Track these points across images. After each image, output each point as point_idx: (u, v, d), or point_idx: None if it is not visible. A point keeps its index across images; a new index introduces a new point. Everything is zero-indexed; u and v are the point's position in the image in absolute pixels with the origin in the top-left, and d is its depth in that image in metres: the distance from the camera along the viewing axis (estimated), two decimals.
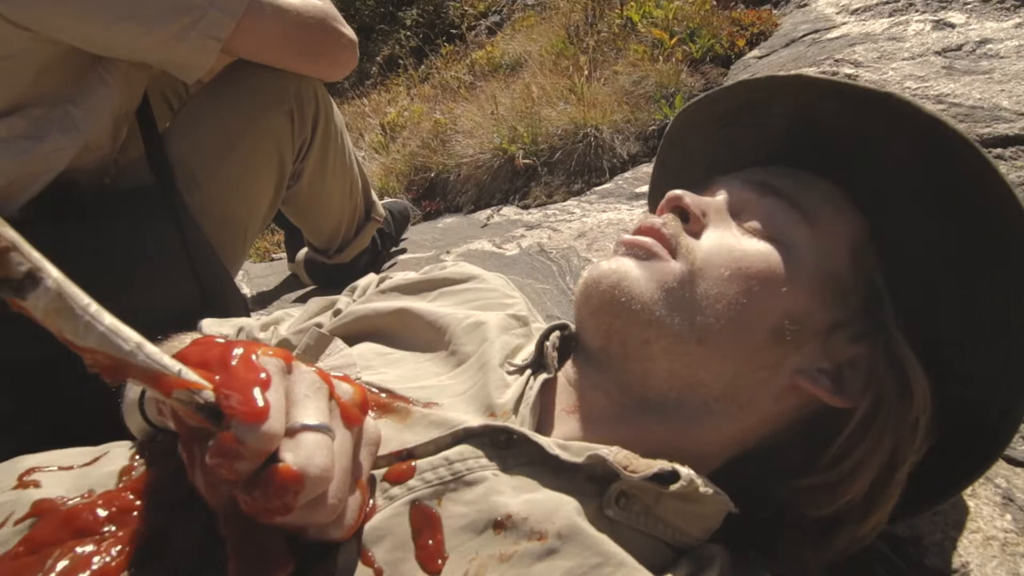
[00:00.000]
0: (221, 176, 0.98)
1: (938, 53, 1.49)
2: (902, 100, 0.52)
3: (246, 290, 1.73)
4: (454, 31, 4.08)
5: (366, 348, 0.62)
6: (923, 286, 0.53)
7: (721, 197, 0.56)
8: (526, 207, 1.89)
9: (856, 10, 1.94)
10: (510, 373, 0.52)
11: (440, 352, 0.59)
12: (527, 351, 0.55)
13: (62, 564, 0.38)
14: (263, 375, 0.35)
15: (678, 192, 0.54)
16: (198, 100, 1.01)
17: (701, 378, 0.49)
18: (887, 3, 1.87)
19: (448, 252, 1.58)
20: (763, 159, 0.62)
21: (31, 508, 0.42)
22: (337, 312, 0.70)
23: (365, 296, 0.72)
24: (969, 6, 1.68)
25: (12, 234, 0.28)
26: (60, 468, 0.49)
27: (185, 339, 0.59)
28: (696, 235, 0.53)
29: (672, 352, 0.49)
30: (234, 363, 0.35)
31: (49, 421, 0.82)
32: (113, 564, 0.38)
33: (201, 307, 0.96)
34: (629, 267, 0.51)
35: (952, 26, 1.59)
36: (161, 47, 0.85)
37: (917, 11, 1.74)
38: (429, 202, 2.25)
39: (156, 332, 0.63)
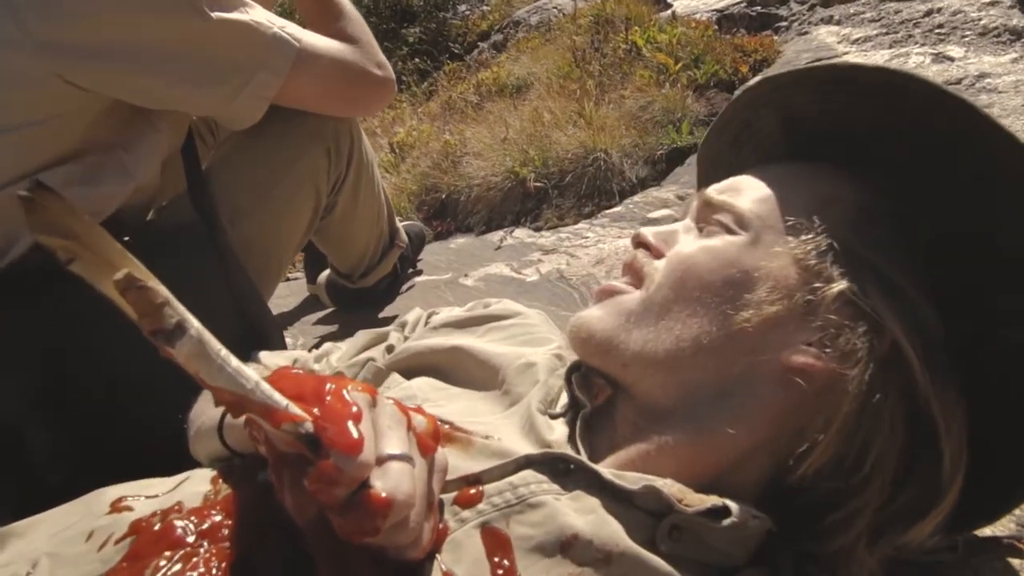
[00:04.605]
0: (263, 211, 1.02)
1: None
2: (831, 66, 0.57)
3: None
4: (456, 50, 4.15)
5: (423, 382, 0.65)
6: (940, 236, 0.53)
7: (687, 219, 0.60)
8: (538, 229, 1.94)
9: (857, 40, 2.01)
10: (553, 418, 0.56)
11: (494, 391, 0.62)
12: (565, 396, 0.59)
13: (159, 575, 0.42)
14: (355, 409, 0.38)
15: (639, 230, 0.59)
16: (241, 139, 1.05)
17: (688, 379, 0.51)
18: (887, 34, 1.94)
19: (466, 275, 1.62)
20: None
21: (128, 528, 0.47)
22: (390, 348, 0.74)
23: (416, 332, 0.76)
24: (967, 39, 1.75)
25: (165, 291, 0.33)
26: (147, 497, 0.53)
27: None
28: (660, 258, 0.57)
29: (649, 366, 0.52)
30: (329, 398, 0.39)
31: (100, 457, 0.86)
32: None
33: (241, 337, 0.99)
34: (589, 312, 0.56)
35: (951, 59, 1.66)
36: (215, 106, 0.90)
37: (917, 43, 1.81)
38: (440, 222, 2.30)
39: None
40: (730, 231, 0.54)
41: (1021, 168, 0.49)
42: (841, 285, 0.49)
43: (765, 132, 0.66)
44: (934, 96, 0.52)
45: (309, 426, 0.37)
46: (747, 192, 0.56)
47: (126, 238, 0.93)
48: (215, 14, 0.84)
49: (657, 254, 0.57)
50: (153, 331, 0.32)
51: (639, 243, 0.59)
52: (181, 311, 0.33)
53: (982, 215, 0.53)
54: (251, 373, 0.36)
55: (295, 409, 0.37)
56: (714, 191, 0.59)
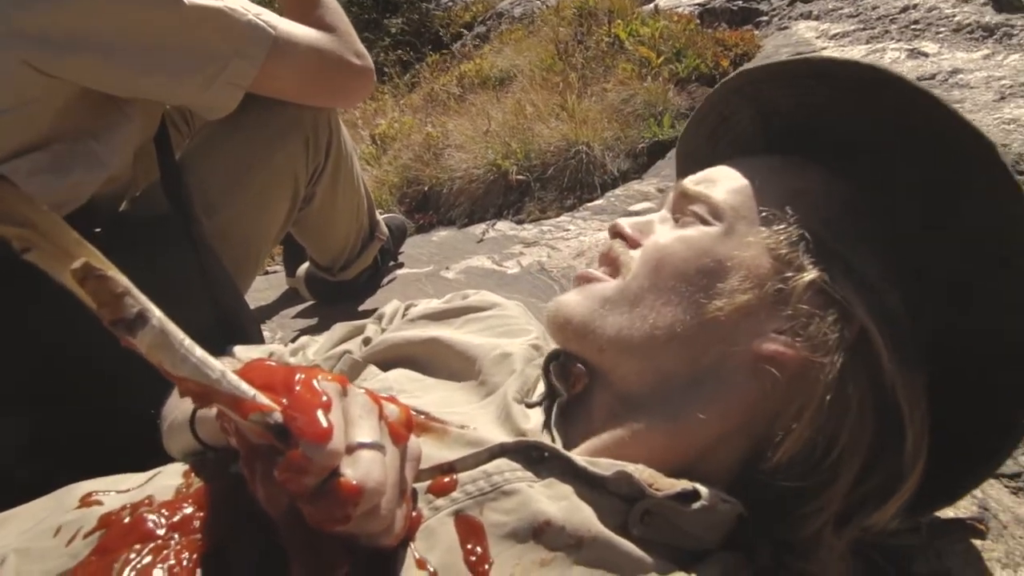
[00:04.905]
0: (239, 202, 1.01)
1: None
2: (805, 60, 0.59)
3: None
4: (444, 37, 4.12)
5: (400, 374, 0.65)
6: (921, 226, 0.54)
7: (664, 210, 0.61)
8: (520, 222, 1.93)
9: (835, 35, 2.03)
10: (529, 407, 0.56)
11: (470, 381, 0.63)
12: (541, 386, 0.59)
13: (128, 569, 0.41)
14: (324, 398, 0.38)
15: (616, 221, 0.60)
16: (217, 127, 1.04)
17: (662, 366, 0.52)
18: (864, 30, 1.96)
19: (447, 268, 1.62)
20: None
21: (98, 522, 0.46)
22: (367, 340, 0.74)
23: (393, 324, 0.76)
24: (941, 35, 1.78)
25: (125, 280, 0.32)
26: (117, 492, 0.52)
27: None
28: (636, 248, 0.58)
29: (624, 352, 0.52)
30: (298, 388, 0.38)
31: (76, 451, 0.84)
32: (178, 571, 0.41)
33: (216, 330, 0.98)
34: (567, 297, 0.56)
35: (926, 55, 1.69)
36: (188, 94, 0.88)
37: (893, 39, 1.84)
38: (422, 215, 2.29)
39: None
40: (705, 222, 0.55)
41: (990, 161, 0.50)
42: (812, 274, 0.50)
43: (742, 126, 0.67)
44: (907, 93, 0.53)
45: (278, 416, 0.36)
46: (722, 183, 0.57)
47: (98, 229, 0.92)
48: (188, 0, 0.83)
49: (633, 244, 0.58)
50: (113, 321, 0.32)
51: (616, 233, 0.60)
52: (142, 300, 0.33)
53: (958, 208, 0.54)
54: (216, 363, 0.36)
55: (262, 399, 0.37)
56: (690, 182, 0.59)
